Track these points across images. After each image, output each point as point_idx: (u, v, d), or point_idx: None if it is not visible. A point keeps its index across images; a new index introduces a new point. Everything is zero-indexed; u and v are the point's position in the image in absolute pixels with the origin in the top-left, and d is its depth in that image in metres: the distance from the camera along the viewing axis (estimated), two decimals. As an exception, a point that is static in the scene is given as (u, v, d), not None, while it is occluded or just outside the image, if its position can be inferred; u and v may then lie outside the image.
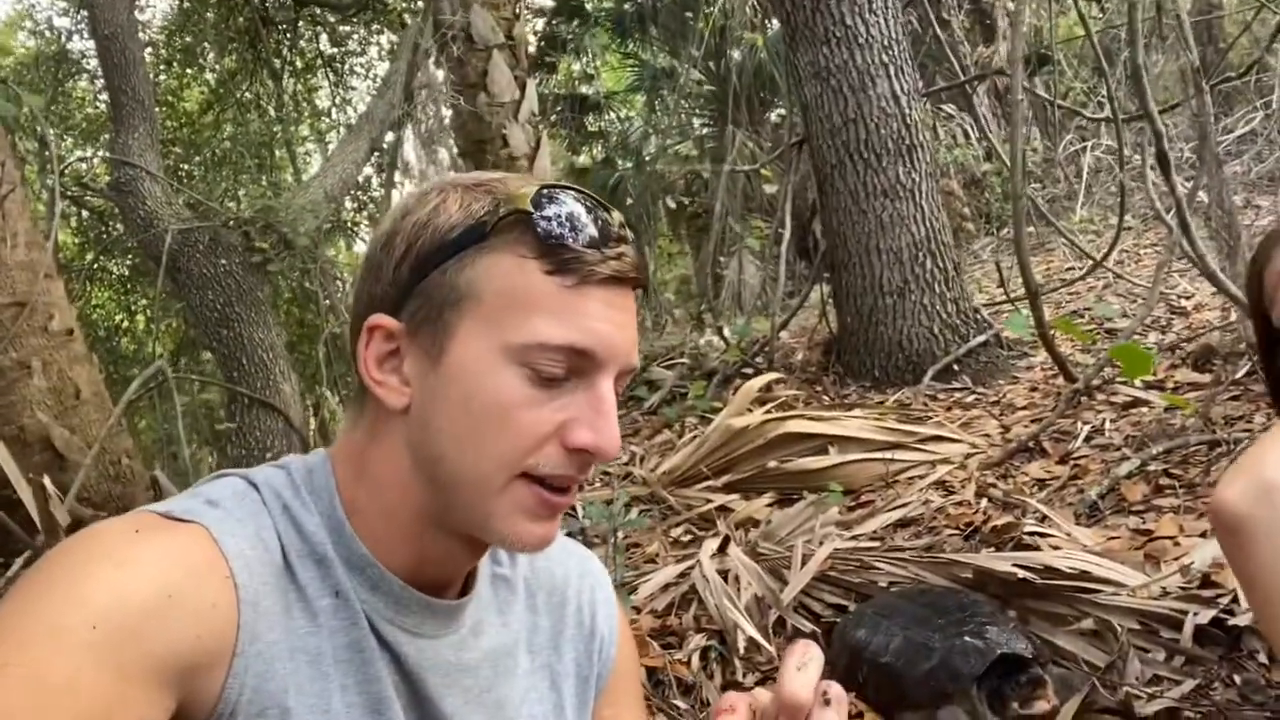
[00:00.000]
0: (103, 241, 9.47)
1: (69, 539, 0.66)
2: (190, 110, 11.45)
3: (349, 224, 10.98)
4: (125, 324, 10.49)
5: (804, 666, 0.61)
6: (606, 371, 0.71)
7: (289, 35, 11.37)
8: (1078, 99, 8.41)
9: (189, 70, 11.69)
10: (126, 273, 10.13)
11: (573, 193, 0.72)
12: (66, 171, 8.69)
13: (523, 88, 5.87)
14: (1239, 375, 3.23)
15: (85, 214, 9.62)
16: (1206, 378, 3.40)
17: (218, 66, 11.35)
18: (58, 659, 0.58)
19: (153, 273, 6.94)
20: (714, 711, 0.64)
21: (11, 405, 3.28)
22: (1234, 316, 3.68)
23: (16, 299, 3.30)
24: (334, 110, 11.98)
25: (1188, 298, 4.58)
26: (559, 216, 0.70)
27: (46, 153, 8.28)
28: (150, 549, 0.65)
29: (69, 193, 8.68)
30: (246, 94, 11.20)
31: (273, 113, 11.18)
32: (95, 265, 9.59)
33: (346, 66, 12.20)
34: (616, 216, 0.73)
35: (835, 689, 0.62)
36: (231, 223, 7.34)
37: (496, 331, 0.69)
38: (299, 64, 11.73)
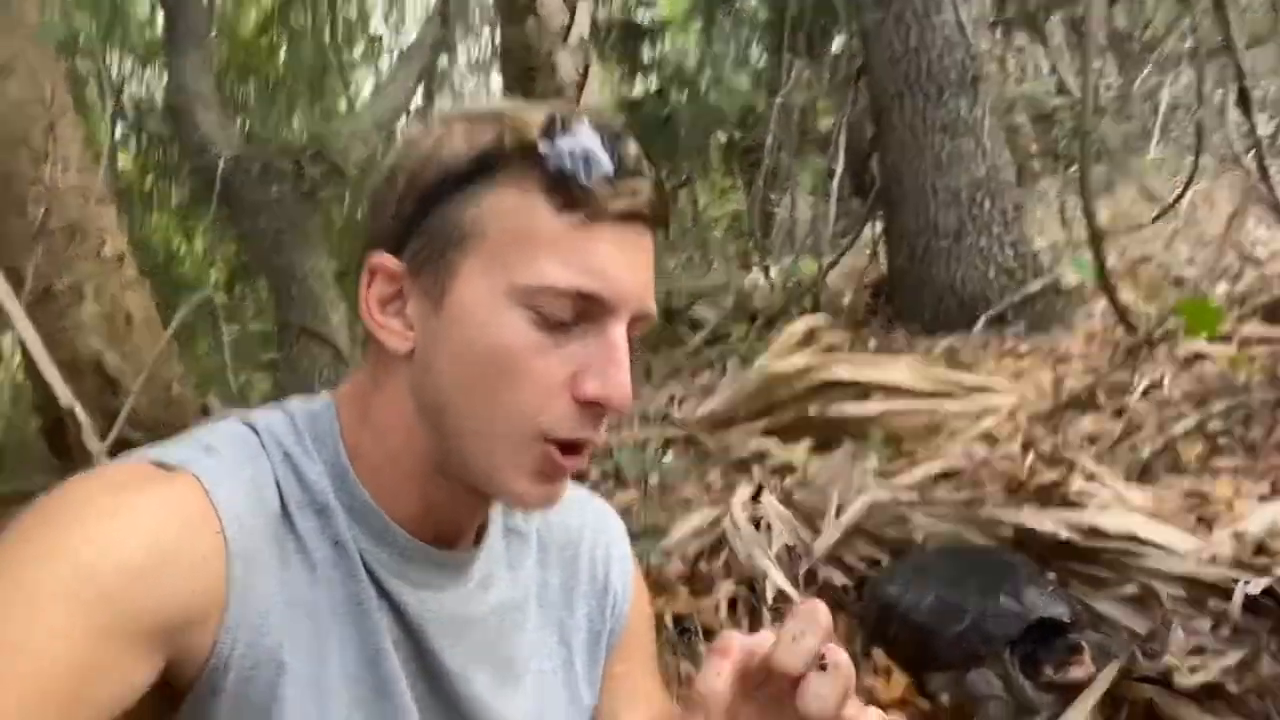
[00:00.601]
0: (160, 166, 9.60)
1: (61, 485, 0.63)
2: (246, 35, 11.42)
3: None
4: (183, 250, 10.68)
5: (800, 636, 0.57)
6: (618, 317, 0.67)
7: (342, -42, 11.23)
8: (1157, 31, 7.94)
9: (242, -6, 11.65)
10: (185, 199, 10.28)
11: (588, 121, 0.66)
12: (124, 95, 8.78)
13: (573, 11, 5.72)
14: (1314, 330, 3.06)
15: (145, 138, 9.74)
16: (1278, 331, 3.23)
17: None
18: (36, 618, 0.56)
19: (208, 199, 7.02)
20: (709, 649, 0.60)
21: (64, 330, 3.35)
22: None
23: (69, 223, 3.33)
24: (387, 35, 11.86)
25: (1263, 244, 4.34)
26: (570, 149, 0.65)
27: (103, 76, 8.35)
28: (140, 501, 0.61)
29: (126, 117, 8.78)
30: (301, 19, 11.14)
31: (327, 38, 11.11)
32: (154, 190, 9.74)
33: (400, -9, 12.06)
34: (634, 148, 0.67)
35: (838, 656, 0.57)
36: (283, 150, 7.37)
37: (501, 272, 0.65)
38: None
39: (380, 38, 12.18)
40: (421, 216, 0.67)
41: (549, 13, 5.81)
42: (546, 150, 0.64)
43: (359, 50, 12.33)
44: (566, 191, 0.64)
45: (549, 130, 0.65)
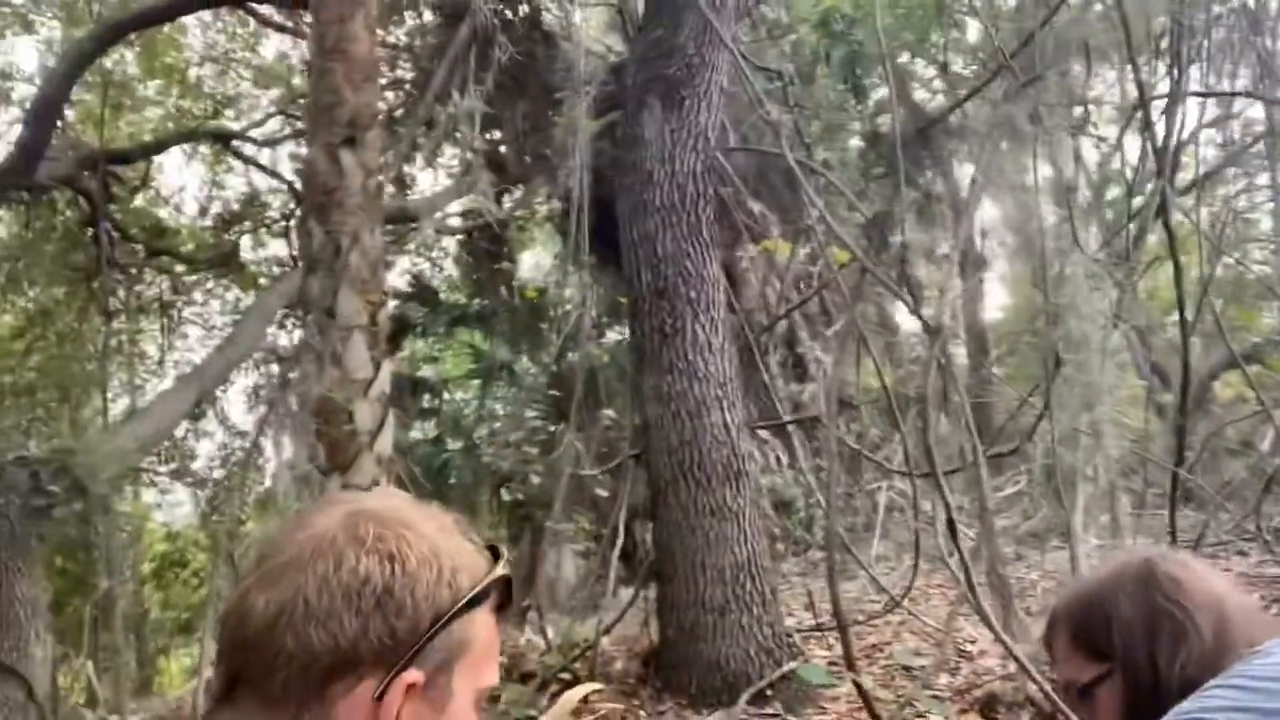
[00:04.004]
0: None
1: None
2: (0, 335, 10.82)
3: (149, 474, 10.31)
4: None
5: None
6: None
7: (128, 278, 11.23)
8: (872, 443, 9.42)
9: (9, 296, 11.19)
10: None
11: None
12: None
13: (378, 367, 6.01)
14: (1023, 724, 3.51)
15: None
16: (995, 726, 3.67)
17: (43, 296, 10.95)
18: None
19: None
20: None
21: None
22: (1013, 667, 4.05)
23: None
24: (163, 357, 11.62)
25: (972, 642, 4.99)
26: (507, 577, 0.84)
27: None
28: None
29: None
30: (66, 328, 10.76)
31: (93, 349, 10.73)
32: None
33: (183, 315, 12.07)
34: None
35: None
36: (20, 460, 6.79)
37: (474, 679, 0.81)
38: (133, 305, 11.50)
39: (153, 356, 11.92)
40: (437, 634, 0.79)
41: (353, 367, 6.09)
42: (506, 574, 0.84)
43: (122, 369, 11.93)
44: (506, 608, 0.84)
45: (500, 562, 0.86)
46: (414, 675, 0.78)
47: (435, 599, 0.80)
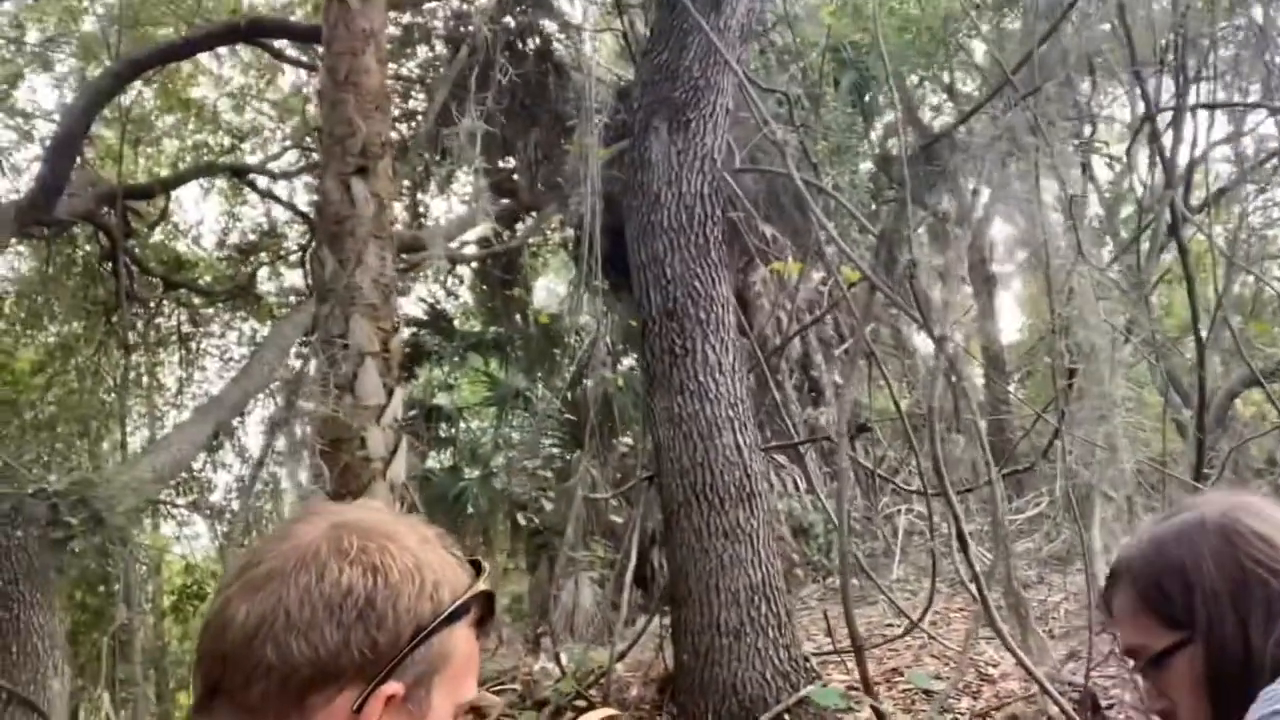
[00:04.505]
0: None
1: None
2: (20, 369, 10.96)
3: (167, 506, 10.37)
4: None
5: None
6: None
7: (147, 311, 11.37)
8: (891, 466, 9.35)
9: (29, 331, 11.35)
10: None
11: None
12: None
13: (390, 394, 6.04)
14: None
15: None
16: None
17: (62, 330, 11.10)
18: None
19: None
20: None
21: None
22: (1033, 689, 3.97)
23: None
24: (181, 389, 11.73)
25: (994, 665, 4.91)
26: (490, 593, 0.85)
27: None
28: None
29: None
30: (86, 361, 10.89)
31: (111, 383, 10.85)
32: None
33: (201, 347, 12.19)
34: None
35: None
36: (39, 492, 6.84)
37: (453, 693, 0.81)
38: (151, 337, 11.64)
39: (171, 389, 12.03)
40: (416, 646, 0.79)
41: (366, 393, 6.12)
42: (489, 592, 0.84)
43: (140, 402, 12.05)
44: (487, 623, 0.84)
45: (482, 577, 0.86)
46: (394, 687, 0.78)
47: (417, 612, 0.80)
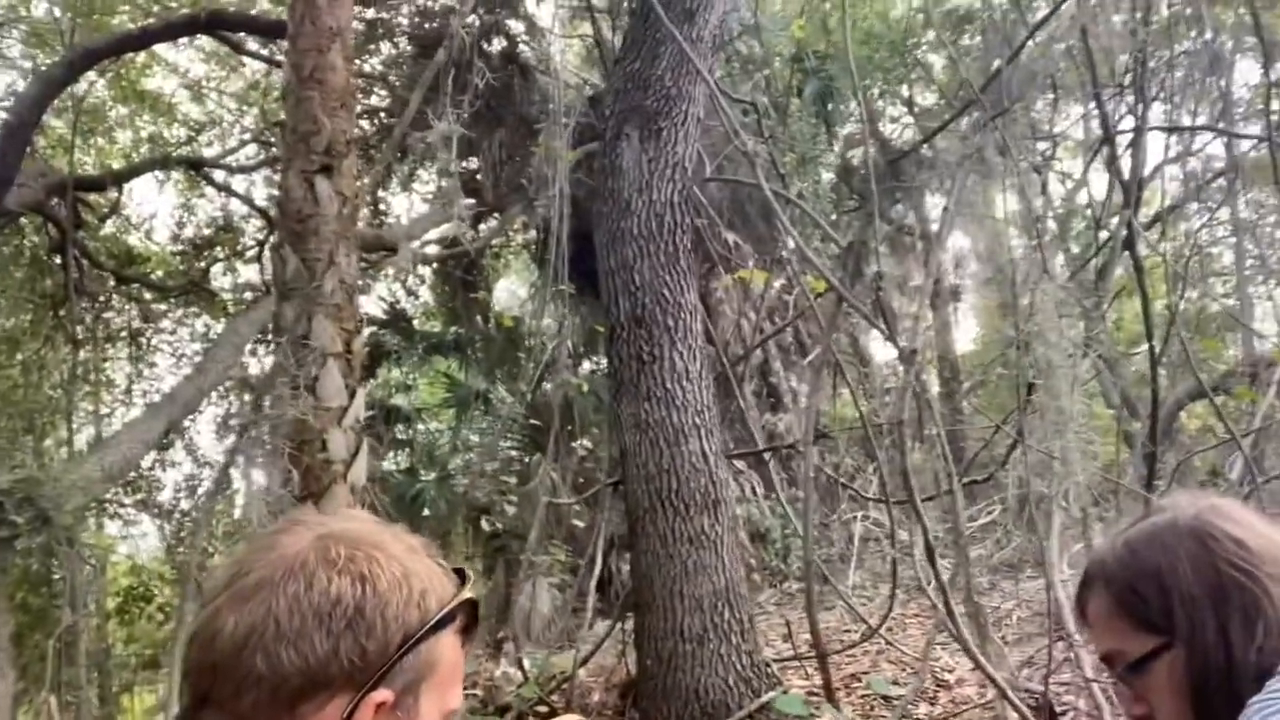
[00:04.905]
0: None
1: None
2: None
3: (115, 505, 10.12)
4: None
5: None
6: None
7: (97, 305, 11.09)
8: (848, 473, 9.46)
9: (-27, 323, 11.00)
10: None
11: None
12: None
13: (352, 395, 5.96)
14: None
15: None
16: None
17: (8, 323, 10.78)
18: None
19: None
20: None
21: None
22: (990, 695, 4.06)
23: None
24: (131, 386, 11.45)
25: (950, 671, 4.99)
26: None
27: None
28: None
29: None
30: (31, 356, 10.59)
31: (58, 378, 10.55)
32: None
33: (152, 344, 11.91)
34: None
35: None
36: (-18, 491, 6.64)
37: (440, 699, 0.83)
38: (100, 333, 11.35)
39: (121, 385, 11.73)
40: (404, 654, 0.80)
41: (327, 393, 6.03)
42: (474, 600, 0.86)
43: (87, 399, 11.72)
44: (471, 631, 0.86)
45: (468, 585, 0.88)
46: (383, 694, 0.79)
47: (405, 620, 0.81)
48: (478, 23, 9.97)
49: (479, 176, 10.79)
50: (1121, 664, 1.12)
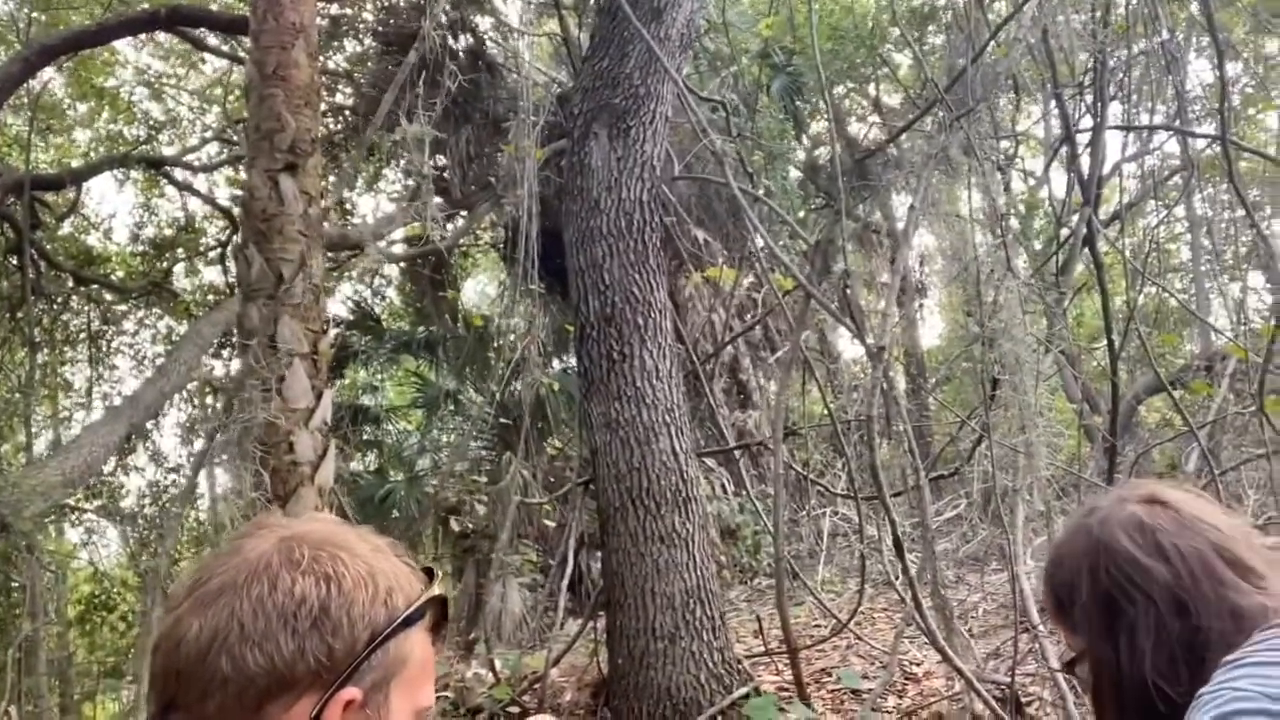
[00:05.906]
0: None
1: None
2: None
3: (76, 511, 9.93)
4: None
5: None
6: None
7: (55, 307, 10.88)
8: (816, 468, 9.54)
9: (-74, 324, 10.73)
10: None
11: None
12: None
13: (319, 396, 5.90)
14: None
15: None
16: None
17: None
18: None
19: None
20: None
21: None
22: (957, 687, 4.11)
23: None
24: (91, 389, 11.24)
25: (918, 664, 5.05)
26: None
27: None
28: None
29: None
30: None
31: (16, 382, 10.33)
32: None
33: (112, 346, 11.71)
34: None
35: None
36: (-63, 497, 6.50)
37: (411, 697, 0.83)
38: (59, 335, 11.14)
39: (80, 388, 11.51)
40: (372, 652, 0.80)
41: (294, 396, 5.96)
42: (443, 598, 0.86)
43: (44, 402, 11.49)
44: (441, 629, 0.86)
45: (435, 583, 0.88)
46: (351, 693, 0.78)
47: (371, 618, 0.81)
48: (444, 19, 9.91)
49: (446, 175, 10.72)
50: (1064, 661, 1.19)
